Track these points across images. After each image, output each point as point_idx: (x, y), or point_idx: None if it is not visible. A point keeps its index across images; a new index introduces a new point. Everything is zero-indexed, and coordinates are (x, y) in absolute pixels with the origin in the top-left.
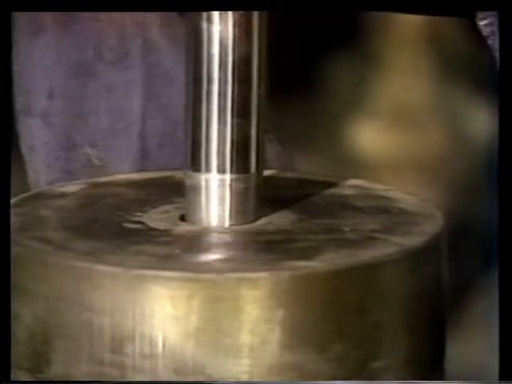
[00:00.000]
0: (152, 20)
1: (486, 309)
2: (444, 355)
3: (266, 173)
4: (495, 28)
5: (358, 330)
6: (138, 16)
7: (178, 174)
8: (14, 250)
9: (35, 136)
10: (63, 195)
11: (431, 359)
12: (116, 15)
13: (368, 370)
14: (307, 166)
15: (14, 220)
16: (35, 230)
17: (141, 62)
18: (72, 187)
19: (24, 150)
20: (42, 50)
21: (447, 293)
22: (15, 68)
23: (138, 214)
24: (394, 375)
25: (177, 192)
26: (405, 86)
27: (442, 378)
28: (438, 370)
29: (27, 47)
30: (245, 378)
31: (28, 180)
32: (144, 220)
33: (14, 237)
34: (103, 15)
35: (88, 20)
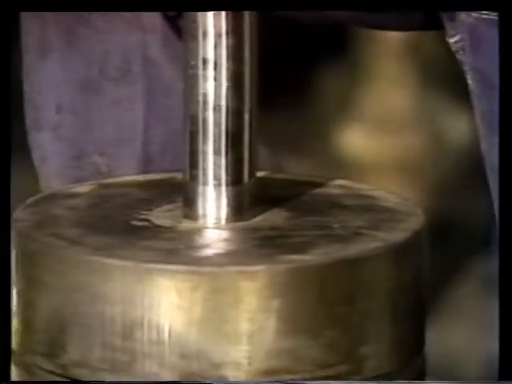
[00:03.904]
0: (152, 39)
1: (462, 298)
2: (424, 340)
3: (260, 174)
4: (465, 43)
5: (347, 318)
6: (139, 35)
7: (180, 176)
8: (32, 245)
9: (46, 148)
10: (75, 195)
11: (413, 344)
12: (118, 36)
13: (356, 355)
14: (298, 168)
15: (31, 218)
16: (51, 228)
17: (142, 77)
18: (83, 188)
19: (36, 162)
20: (50, 69)
21: (428, 284)
22: (26, 87)
23: (145, 212)
24: (379, 359)
25: (178, 192)
26: (389, 94)
27: (423, 362)
28: (419, 354)
29: (36, 67)
30: (244, 362)
31: (40, 188)
32: (150, 218)
33: (32, 233)
34: (107, 36)
35: (92, 41)
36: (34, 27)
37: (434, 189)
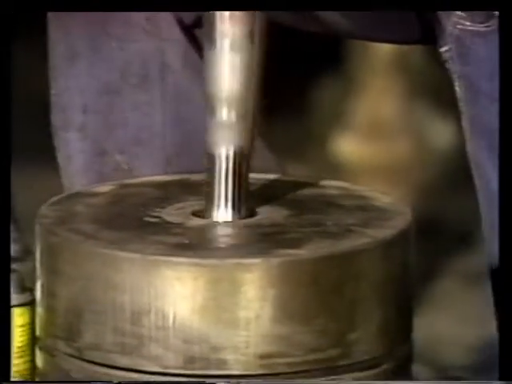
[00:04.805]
0: (169, 47)
1: (446, 289)
2: (411, 328)
3: (265, 176)
4: (453, 53)
5: (337, 306)
6: (156, 43)
7: (193, 177)
8: (53, 239)
9: (72, 146)
10: (96, 194)
11: (400, 331)
12: (137, 45)
13: (345, 341)
14: (298, 172)
15: (54, 215)
16: (70, 223)
17: (160, 83)
18: (104, 188)
19: (61, 161)
20: (76, 74)
21: (414, 276)
22: (54, 91)
23: (158, 209)
24: (367, 345)
25: (191, 192)
26: (379, 104)
27: (410, 348)
28: (406, 341)
29: (64, 72)
30: (242, 346)
31: (63, 186)
32: (162, 215)
33: (53, 229)
34: (126, 45)
35: (113, 49)
36: (60, 35)
37: (420, 189)
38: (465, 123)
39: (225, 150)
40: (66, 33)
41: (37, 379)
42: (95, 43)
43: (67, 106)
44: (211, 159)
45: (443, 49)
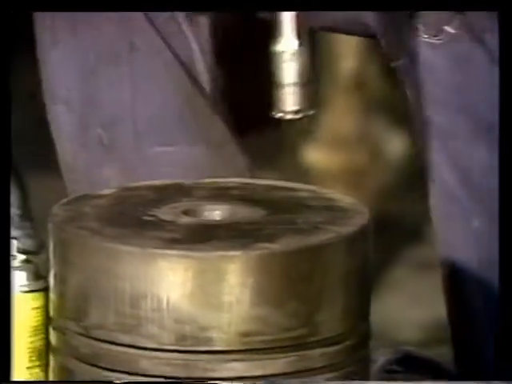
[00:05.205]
0: (137, 24)
1: (399, 277)
2: (369, 311)
3: (243, 180)
4: (407, 65)
5: (307, 292)
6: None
7: (187, 182)
8: (64, 235)
9: (60, 119)
10: (101, 196)
11: (360, 313)
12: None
13: (313, 321)
14: (273, 178)
15: (64, 214)
16: (79, 221)
17: (128, 61)
18: (107, 191)
19: (53, 134)
20: (59, 56)
21: (372, 266)
22: (42, 72)
23: (154, 209)
24: (331, 324)
25: (183, 194)
26: (341, 118)
27: (368, 327)
28: (365, 321)
29: (49, 55)
30: (225, 326)
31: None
32: (157, 214)
33: (64, 226)
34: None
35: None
36: (45, 24)
37: (377, 192)
38: (418, 127)
39: None
40: (48, 22)
41: (50, 354)
42: (73, 30)
43: (54, 83)
44: None
45: (397, 63)
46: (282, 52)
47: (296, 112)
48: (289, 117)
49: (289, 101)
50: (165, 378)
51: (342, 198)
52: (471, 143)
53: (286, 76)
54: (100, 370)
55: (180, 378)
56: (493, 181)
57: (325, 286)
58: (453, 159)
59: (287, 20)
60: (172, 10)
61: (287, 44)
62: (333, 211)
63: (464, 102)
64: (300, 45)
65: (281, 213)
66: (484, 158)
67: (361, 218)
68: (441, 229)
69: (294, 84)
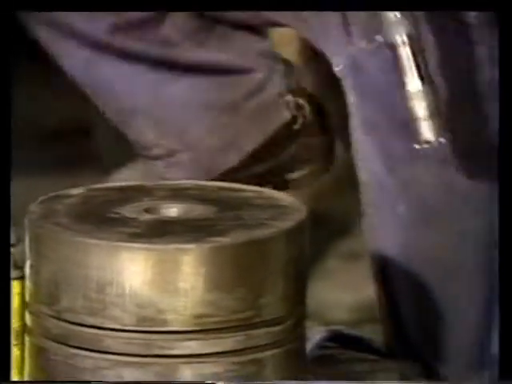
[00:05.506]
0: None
1: (331, 266)
2: (305, 295)
3: (197, 182)
4: (347, 70)
5: (252, 279)
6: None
7: (148, 183)
8: (38, 230)
9: None
10: (71, 196)
11: (297, 297)
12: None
13: (258, 304)
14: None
15: (39, 211)
16: (52, 218)
17: None
18: (77, 190)
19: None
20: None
21: (308, 256)
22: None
23: (119, 207)
24: (273, 308)
25: (144, 195)
26: None
27: (304, 309)
28: (302, 304)
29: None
30: (181, 309)
31: None
32: (121, 212)
33: (38, 222)
34: None
35: None
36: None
37: (313, 192)
38: (355, 123)
39: None
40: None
41: (26, 335)
42: None
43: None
44: None
45: (338, 68)
46: (409, 91)
47: (427, 142)
48: (425, 146)
49: (421, 132)
50: (126, 355)
51: (283, 197)
52: (394, 135)
53: (417, 111)
54: (69, 348)
55: (141, 356)
56: (416, 170)
57: (268, 273)
58: (379, 149)
59: (406, 60)
60: (172, 9)
61: (412, 84)
62: (275, 208)
63: (387, 100)
64: (423, 84)
65: (230, 210)
66: (406, 148)
67: (299, 214)
68: (366, 216)
69: (424, 118)
